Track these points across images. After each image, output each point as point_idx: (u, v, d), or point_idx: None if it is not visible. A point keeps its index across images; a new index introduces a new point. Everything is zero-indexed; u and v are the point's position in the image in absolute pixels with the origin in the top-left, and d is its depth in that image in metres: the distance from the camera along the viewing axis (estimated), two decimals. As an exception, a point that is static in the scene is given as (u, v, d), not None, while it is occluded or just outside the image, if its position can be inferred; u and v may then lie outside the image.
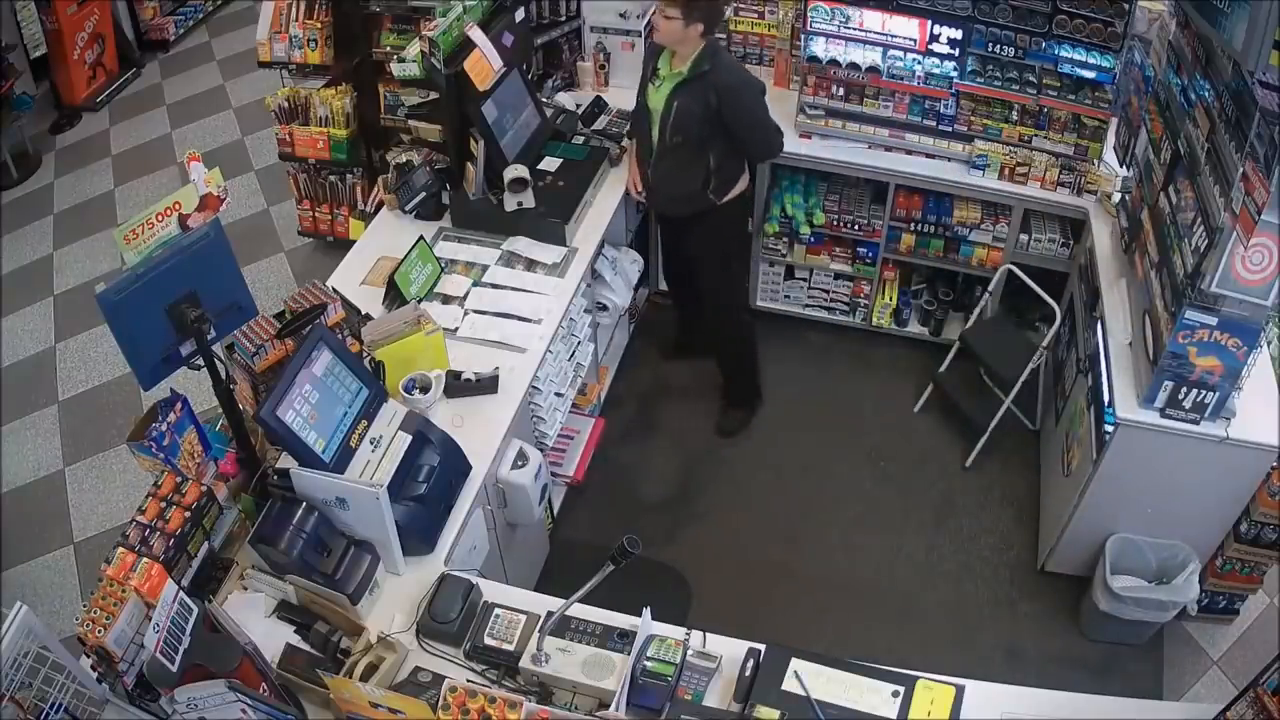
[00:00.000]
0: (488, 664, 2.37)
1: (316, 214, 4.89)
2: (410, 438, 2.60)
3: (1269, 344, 2.97)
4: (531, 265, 3.48)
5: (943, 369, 4.15)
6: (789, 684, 2.23)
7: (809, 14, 3.83)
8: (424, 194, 3.61)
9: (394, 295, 3.25)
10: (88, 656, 2.14)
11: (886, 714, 2.19)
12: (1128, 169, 3.60)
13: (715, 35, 3.41)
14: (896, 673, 2.27)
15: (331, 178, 4.73)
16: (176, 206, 2.36)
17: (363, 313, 3.07)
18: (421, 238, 3.41)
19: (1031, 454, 4.03)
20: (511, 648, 2.35)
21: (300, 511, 2.38)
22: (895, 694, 2.22)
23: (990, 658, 3.42)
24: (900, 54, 3.85)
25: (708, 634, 2.41)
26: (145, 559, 2.16)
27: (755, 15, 4.22)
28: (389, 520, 2.43)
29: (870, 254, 4.24)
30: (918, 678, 2.25)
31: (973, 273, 4.19)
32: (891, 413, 4.24)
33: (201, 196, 2.39)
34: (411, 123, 3.82)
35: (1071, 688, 2.39)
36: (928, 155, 3.95)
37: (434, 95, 3.68)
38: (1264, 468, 3.00)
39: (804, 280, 4.45)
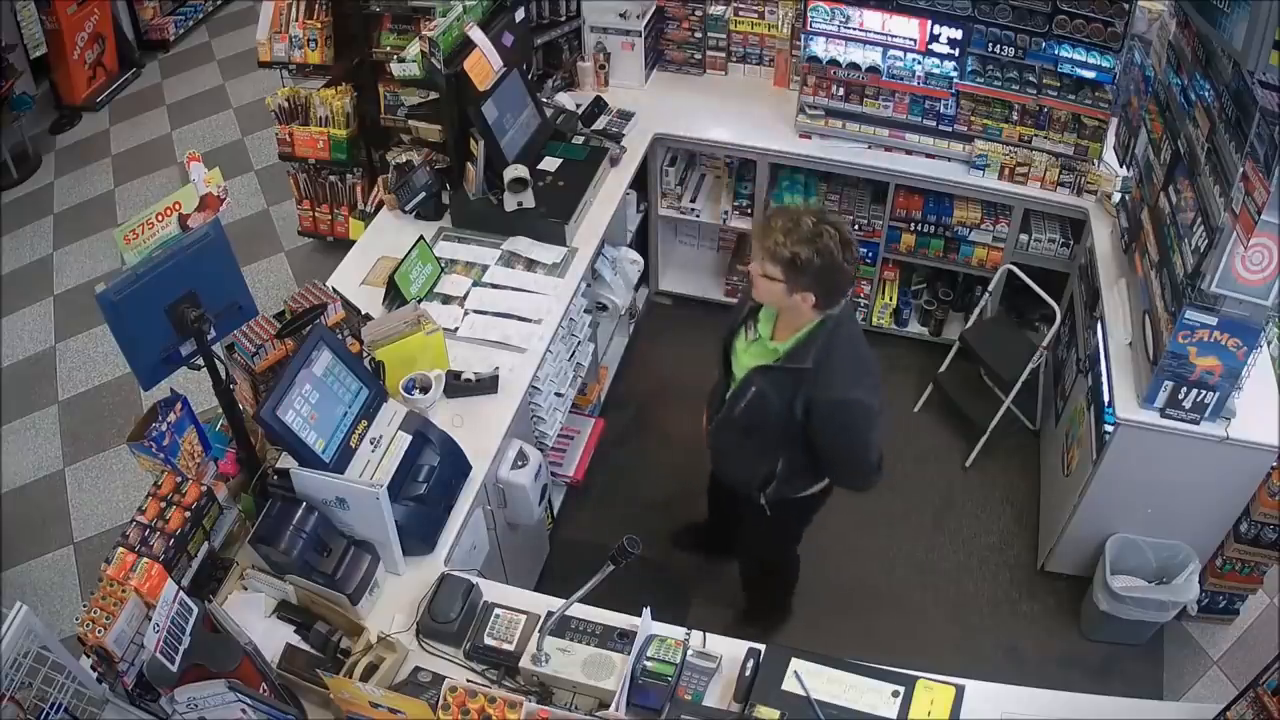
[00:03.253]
0: (488, 664, 2.36)
1: (316, 214, 4.89)
2: (410, 438, 2.60)
3: (1269, 344, 2.97)
4: (531, 265, 3.48)
5: (943, 369, 4.15)
6: (789, 684, 2.23)
7: (809, 14, 3.84)
8: (424, 194, 3.61)
9: (394, 295, 3.25)
10: (88, 656, 2.14)
11: (886, 714, 2.19)
12: (1128, 169, 3.60)
13: (834, 313, 2.47)
14: (896, 673, 2.27)
15: (331, 178, 4.73)
16: (176, 206, 2.37)
17: (363, 313, 3.07)
18: (421, 238, 3.41)
19: (1031, 454, 4.03)
20: (511, 648, 2.35)
21: (300, 511, 2.38)
22: (895, 694, 2.22)
23: (990, 658, 3.41)
24: (900, 54, 3.85)
25: (708, 634, 2.41)
26: (145, 559, 2.16)
27: (755, 15, 4.23)
28: (389, 520, 2.43)
29: (870, 254, 4.24)
30: (918, 678, 2.26)
31: (973, 273, 4.19)
32: (891, 413, 4.23)
33: (201, 196, 2.40)
34: (411, 123, 3.81)
35: (1071, 688, 2.39)
36: (928, 155, 3.95)
37: (434, 95, 3.68)
38: (1264, 468, 3.00)
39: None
